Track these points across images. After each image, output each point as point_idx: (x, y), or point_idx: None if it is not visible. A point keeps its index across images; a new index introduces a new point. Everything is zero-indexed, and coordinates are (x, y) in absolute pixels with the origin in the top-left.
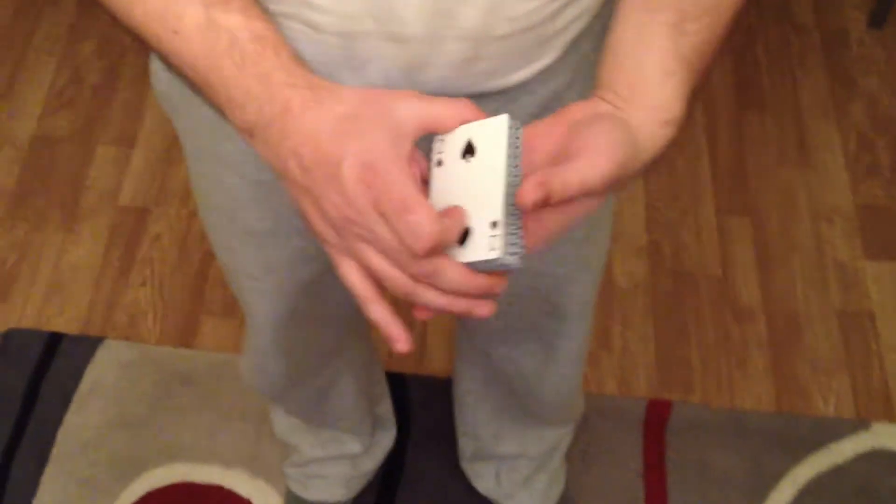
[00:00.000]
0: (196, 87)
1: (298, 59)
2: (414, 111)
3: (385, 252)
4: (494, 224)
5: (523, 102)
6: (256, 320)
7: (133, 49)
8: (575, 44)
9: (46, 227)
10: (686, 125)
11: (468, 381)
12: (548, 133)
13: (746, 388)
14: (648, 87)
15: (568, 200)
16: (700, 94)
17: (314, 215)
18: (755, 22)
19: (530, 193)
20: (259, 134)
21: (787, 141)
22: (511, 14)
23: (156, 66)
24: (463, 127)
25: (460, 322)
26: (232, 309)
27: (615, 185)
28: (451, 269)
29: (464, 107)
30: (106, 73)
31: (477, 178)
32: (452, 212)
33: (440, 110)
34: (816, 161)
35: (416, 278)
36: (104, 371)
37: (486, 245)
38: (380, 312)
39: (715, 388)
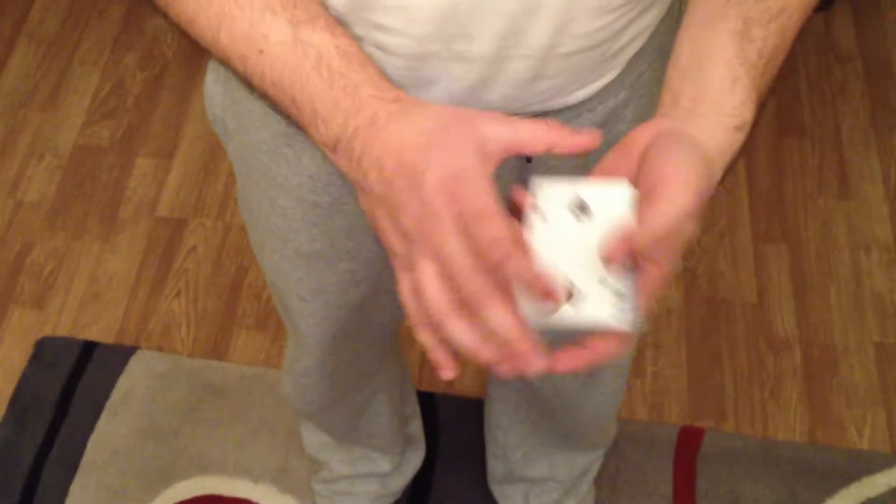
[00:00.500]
0: (280, 105)
1: (384, 75)
2: (500, 132)
3: (446, 268)
4: (621, 295)
5: (582, 120)
6: (305, 341)
7: (175, 62)
8: (632, 62)
9: (85, 236)
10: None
11: (501, 402)
12: (617, 166)
13: (780, 417)
14: (716, 94)
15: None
16: (769, 100)
17: (388, 227)
18: (796, 48)
19: (617, 255)
20: (342, 147)
21: (826, 169)
22: (578, 32)
23: (211, 91)
24: (570, 182)
25: None
26: (264, 322)
27: (698, 209)
28: (502, 309)
29: (549, 129)
30: (148, 85)
31: (590, 239)
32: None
33: (526, 133)
34: (856, 191)
35: (463, 301)
36: (136, 381)
37: (607, 313)
38: (427, 337)
39: (748, 417)
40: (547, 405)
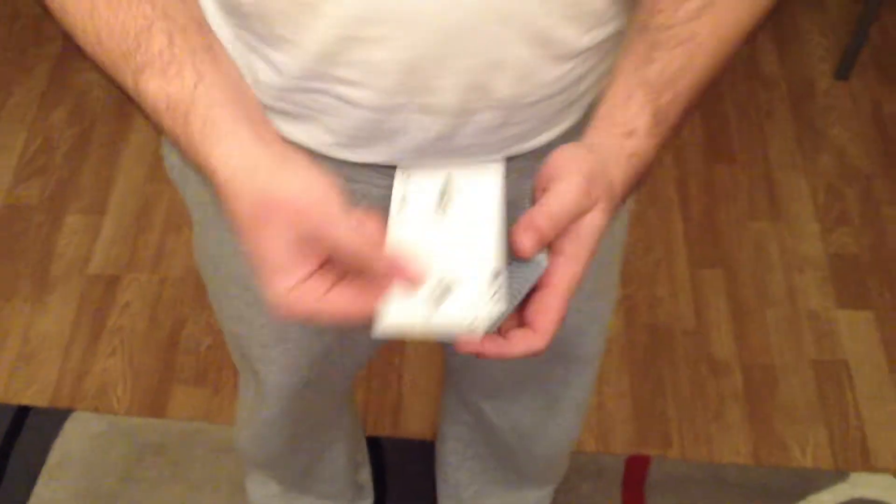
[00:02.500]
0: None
1: (208, 125)
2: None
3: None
4: (497, 274)
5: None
6: (267, 389)
7: (104, 116)
8: (596, 102)
9: (15, 297)
10: (659, 155)
11: (453, 440)
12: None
13: (724, 440)
14: (609, 109)
15: (563, 230)
16: (680, 126)
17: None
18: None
19: (525, 240)
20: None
21: (757, 193)
22: (542, 80)
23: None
24: (438, 170)
25: (450, 377)
26: (203, 376)
27: (594, 197)
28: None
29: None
30: (77, 140)
31: (461, 228)
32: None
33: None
34: (787, 212)
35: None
36: (73, 444)
37: (486, 299)
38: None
39: (693, 441)
40: (502, 441)
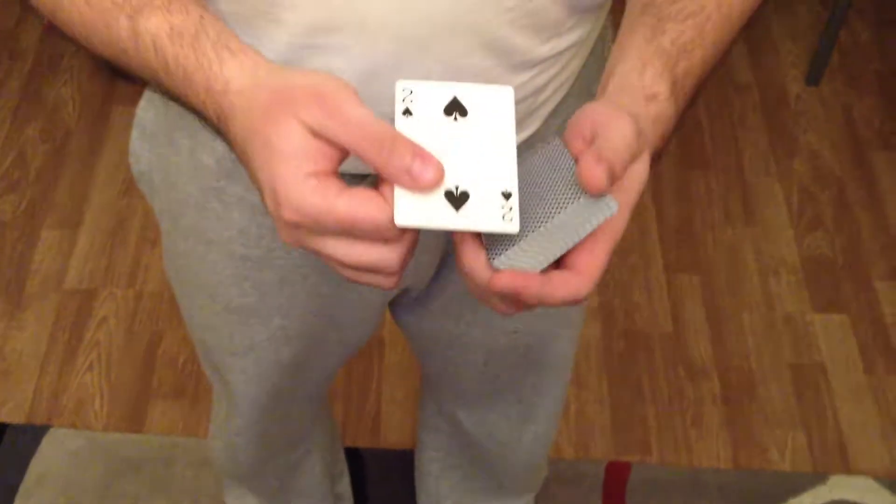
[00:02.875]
0: (174, 94)
1: (217, 44)
2: (317, 117)
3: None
4: (508, 195)
5: None
6: (237, 399)
7: (77, 130)
8: (558, 108)
9: None
10: (679, 123)
11: (433, 449)
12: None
13: (703, 445)
14: (626, 78)
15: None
16: (691, 104)
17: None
18: None
19: (598, 171)
20: (221, 122)
21: (731, 198)
22: None
23: (136, 148)
24: (444, 84)
25: (426, 387)
26: (182, 390)
27: (642, 141)
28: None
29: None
30: (50, 155)
31: (472, 140)
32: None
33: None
34: (761, 217)
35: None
36: (50, 461)
37: (497, 215)
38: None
39: (672, 446)
40: (480, 450)
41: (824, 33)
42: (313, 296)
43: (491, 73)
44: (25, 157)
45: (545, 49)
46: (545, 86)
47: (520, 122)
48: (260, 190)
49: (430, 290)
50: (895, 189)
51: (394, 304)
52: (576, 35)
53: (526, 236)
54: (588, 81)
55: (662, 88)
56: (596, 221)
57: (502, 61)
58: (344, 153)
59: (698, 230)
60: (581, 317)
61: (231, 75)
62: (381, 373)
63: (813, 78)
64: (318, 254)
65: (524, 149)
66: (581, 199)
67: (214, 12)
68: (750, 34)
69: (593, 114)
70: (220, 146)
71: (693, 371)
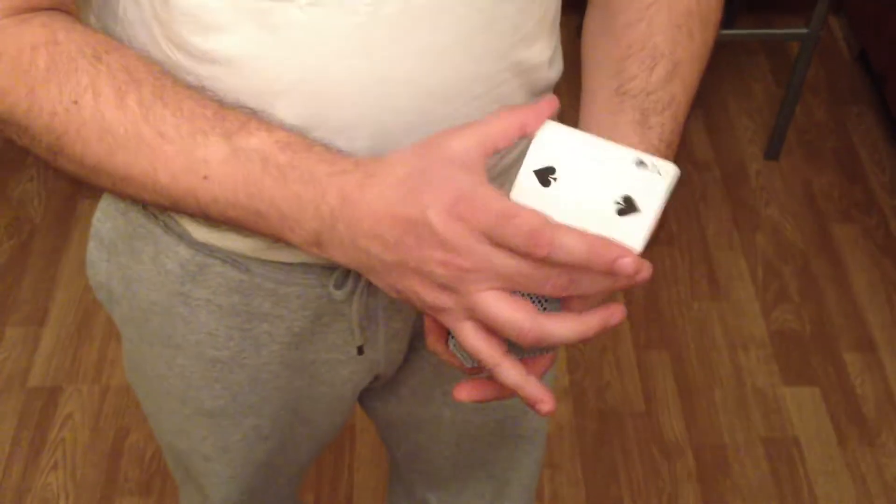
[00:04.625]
0: (247, 224)
1: (330, 148)
2: (469, 140)
3: (513, 281)
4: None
5: None
6: (209, 502)
7: (43, 226)
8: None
9: None
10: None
11: None
12: None
13: None
14: None
15: None
16: None
17: (423, 287)
18: None
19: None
20: (327, 237)
21: (697, 273)
22: None
23: (94, 258)
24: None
25: (394, 473)
26: (148, 486)
27: None
28: (570, 237)
29: (511, 115)
30: (15, 252)
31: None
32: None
33: (495, 129)
34: (727, 291)
35: (555, 291)
36: None
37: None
38: (515, 373)
39: None
40: None
41: (781, 111)
42: (284, 392)
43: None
44: None
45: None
46: (508, 168)
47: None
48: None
49: (399, 376)
50: (857, 261)
51: (363, 393)
52: None
53: None
54: None
55: None
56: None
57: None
58: None
59: (665, 306)
60: (552, 382)
61: (358, 159)
62: (352, 462)
63: (772, 153)
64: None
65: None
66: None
67: None
68: (708, 112)
69: None
70: (183, 250)
71: (667, 449)
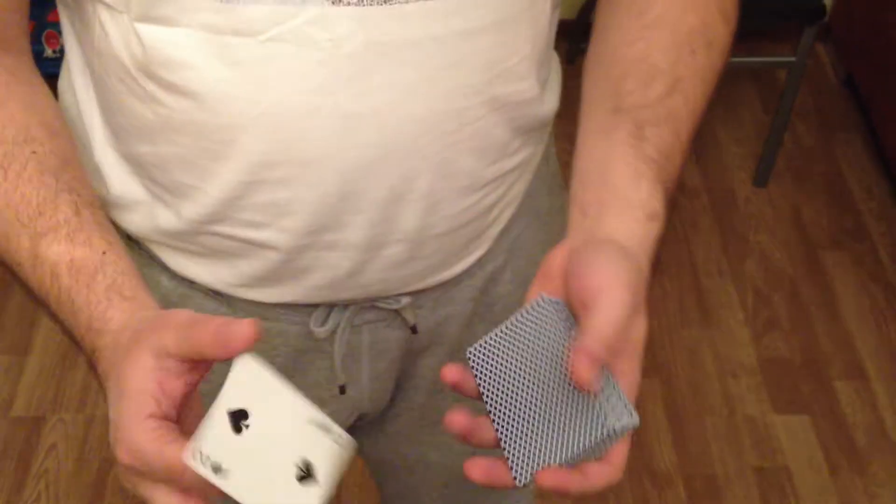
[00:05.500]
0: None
1: (109, 290)
2: (157, 343)
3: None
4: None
5: (462, 287)
6: None
7: None
8: (507, 228)
9: None
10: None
11: None
12: (546, 290)
13: None
14: (622, 192)
15: (618, 346)
16: (676, 196)
17: (120, 457)
18: None
19: (587, 371)
20: (98, 367)
21: (687, 301)
22: (448, 212)
23: None
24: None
25: None
26: None
27: (637, 307)
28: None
29: (203, 334)
30: None
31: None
32: None
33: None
34: (717, 319)
35: None
36: None
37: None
38: None
39: None
40: None
41: (769, 138)
42: None
43: (437, 196)
44: None
45: (491, 171)
46: (493, 206)
47: (470, 243)
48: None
49: (386, 416)
50: (847, 287)
51: (351, 429)
52: (521, 157)
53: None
54: (535, 200)
55: (658, 205)
56: (612, 443)
57: (449, 183)
58: (187, 382)
59: (655, 333)
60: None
61: (113, 316)
62: (340, 493)
63: (760, 180)
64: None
65: (476, 270)
66: (605, 425)
67: (156, 154)
68: (697, 139)
69: (595, 275)
70: (166, 281)
71: (658, 479)
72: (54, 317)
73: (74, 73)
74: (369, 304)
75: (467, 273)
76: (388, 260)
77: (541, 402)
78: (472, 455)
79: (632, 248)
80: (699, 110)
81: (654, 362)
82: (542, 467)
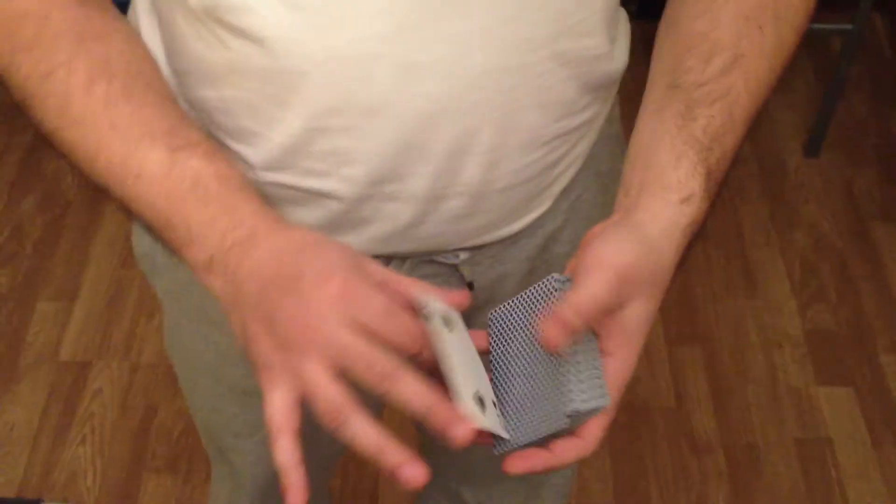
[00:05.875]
0: (153, 226)
1: (264, 199)
2: (377, 269)
3: (341, 361)
4: (480, 399)
5: (521, 245)
6: (241, 481)
7: (76, 202)
8: (568, 188)
9: None
10: (711, 210)
11: None
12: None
13: None
14: (660, 173)
15: (595, 320)
16: (726, 179)
17: (261, 339)
18: None
19: (552, 331)
20: (217, 263)
21: (732, 270)
22: (511, 167)
23: (138, 227)
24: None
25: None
26: (175, 464)
27: (625, 293)
28: (413, 379)
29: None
30: (48, 227)
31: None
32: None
33: (406, 286)
34: (763, 288)
35: (374, 379)
36: None
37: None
38: (292, 455)
39: None
40: None
41: (821, 107)
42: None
43: (501, 151)
44: (23, 229)
45: (556, 127)
46: (554, 164)
47: (531, 201)
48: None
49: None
50: None
51: None
52: (587, 115)
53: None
54: (596, 161)
55: (697, 186)
56: (586, 418)
57: (513, 139)
58: None
59: (699, 302)
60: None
61: (281, 216)
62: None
63: (812, 150)
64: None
65: (535, 228)
66: (571, 404)
67: (221, 99)
68: None
69: (592, 252)
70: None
71: (697, 445)
72: (170, 224)
73: (141, 16)
74: (427, 258)
75: (526, 231)
76: (448, 213)
77: (527, 376)
78: None
79: (653, 233)
80: (762, 89)
81: (696, 330)
82: (519, 440)
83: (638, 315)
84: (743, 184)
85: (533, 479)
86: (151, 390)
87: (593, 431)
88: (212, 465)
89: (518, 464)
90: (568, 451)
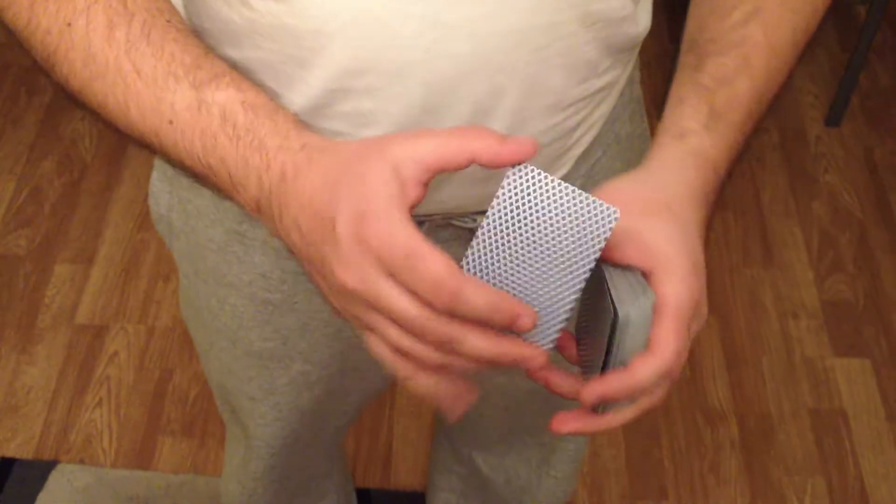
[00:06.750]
0: (201, 176)
1: (297, 121)
2: (410, 149)
3: (400, 321)
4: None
5: None
6: (255, 443)
7: (94, 165)
8: (587, 152)
9: (1, 347)
10: (731, 161)
11: (445, 491)
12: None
13: (721, 491)
14: (664, 119)
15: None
16: (750, 134)
17: (326, 290)
18: None
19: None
20: (265, 209)
21: (750, 239)
22: (533, 130)
23: (156, 189)
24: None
25: (442, 428)
26: (190, 428)
27: (635, 206)
28: (482, 336)
29: (473, 136)
30: (66, 190)
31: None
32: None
33: (442, 143)
34: (781, 258)
35: (437, 346)
36: (57, 496)
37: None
38: (425, 385)
39: (688, 492)
40: (496, 494)
41: (844, 76)
42: (335, 341)
43: (523, 114)
44: (41, 192)
45: (579, 90)
46: (576, 127)
47: (550, 164)
48: (334, 225)
49: None
50: None
51: None
52: (609, 77)
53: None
54: (616, 124)
55: (693, 123)
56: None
57: (536, 101)
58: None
59: (716, 271)
60: None
61: (309, 140)
62: (392, 411)
63: (833, 119)
64: (375, 302)
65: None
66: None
67: (242, 59)
68: None
69: (647, 231)
70: None
71: (711, 415)
72: (211, 169)
73: None
74: (445, 221)
75: None
76: (468, 176)
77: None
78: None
79: (650, 167)
80: (784, 42)
81: (712, 299)
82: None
83: (657, 233)
84: (763, 153)
85: (546, 446)
86: (167, 354)
87: (666, 338)
88: (226, 428)
89: (593, 391)
90: (645, 366)
